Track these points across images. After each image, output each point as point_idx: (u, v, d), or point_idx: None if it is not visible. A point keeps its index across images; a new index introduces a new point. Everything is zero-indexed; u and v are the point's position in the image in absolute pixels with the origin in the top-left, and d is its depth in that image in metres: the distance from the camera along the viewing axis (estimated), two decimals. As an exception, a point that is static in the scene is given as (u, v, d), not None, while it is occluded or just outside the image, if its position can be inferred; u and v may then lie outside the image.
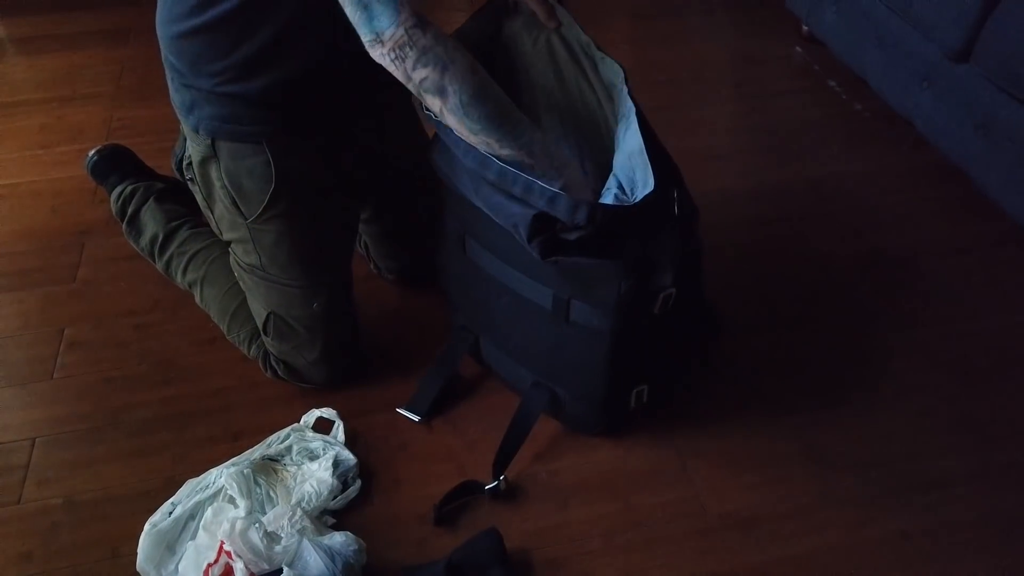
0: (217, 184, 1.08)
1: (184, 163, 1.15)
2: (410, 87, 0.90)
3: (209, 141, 1.05)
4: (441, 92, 0.88)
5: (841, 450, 1.20)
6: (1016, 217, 1.50)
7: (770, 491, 1.15)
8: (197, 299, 1.31)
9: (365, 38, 0.86)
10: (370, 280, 1.45)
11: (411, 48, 0.86)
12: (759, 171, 1.76)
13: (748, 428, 1.23)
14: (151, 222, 1.34)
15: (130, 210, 1.36)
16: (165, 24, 1.02)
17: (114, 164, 1.42)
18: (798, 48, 2.19)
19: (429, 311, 1.39)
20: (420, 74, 0.87)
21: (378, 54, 0.87)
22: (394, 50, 0.86)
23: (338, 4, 0.86)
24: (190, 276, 1.30)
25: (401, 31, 0.85)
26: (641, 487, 1.15)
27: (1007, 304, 1.43)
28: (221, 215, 1.13)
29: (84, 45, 2.17)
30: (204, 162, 1.08)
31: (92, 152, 1.43)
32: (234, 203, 1.08)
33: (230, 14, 0.95)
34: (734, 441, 1.21)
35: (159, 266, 1.35)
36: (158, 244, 1.33)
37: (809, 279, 1.49)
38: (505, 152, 0.92)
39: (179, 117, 1.09)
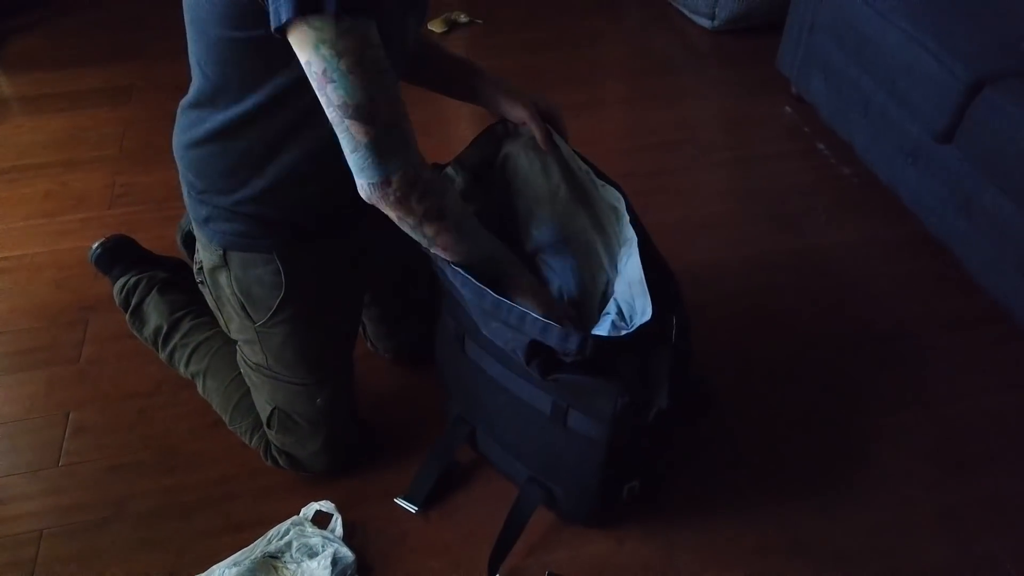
0: (227, 291, 1.12)
1: (195, 266, 1.19)
2: (409, 221, 0.93)
3: (221, 252, 1.09)
4: (440, 217, 0.93)
5: (825, 543, 1.23)
6: (996, 297, 1.54)
7: (756, 585, 1.19)
8: (200, 390, 1.35)
9: (372, 179, 0.88)
10: (368, 359, 1.49)
11: (417, 184, 0.90)
12: (749, 241, 1.80)
13: (736, 519, 1.27)
14: (154, 314, 1.37)
15: (133, 302, 1.39)
16: (183, 146, 1.06)
17: (117, 256, 1.46)
18: (788, 108, 2.23)
19: (426, 392, 1.42)
20: (423, 206, 0.91)
21: (379, 196, 0.89)
22: (402, 188, 0.89)
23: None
24: (193, 368, 1.33)
25: (412, 171, 0.88)
26: (631, 582, 1.19)
27: (986, 386, 1.47)
28: (230, 316, 1.16)
29: (88, 104, 2.21)
30: (215, 270, 1.12)
31: (95, 245, 1.47)
32: (243, 308, 1.12)
33: (255, 143, 0.99)
34: (722, 533, 1.25)
35: (163, 356, 1.39)
36: (162, 336, 1.36)
37: (796, 358, 1.53)
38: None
39: (193, 225, 1.13)
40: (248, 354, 1.18)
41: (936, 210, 1.66)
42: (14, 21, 2.58)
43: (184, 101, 1.04)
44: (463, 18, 2.59)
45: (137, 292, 1.40)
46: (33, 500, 1.28)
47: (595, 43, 2.55)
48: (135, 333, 1.42)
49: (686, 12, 2.61)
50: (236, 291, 1.11)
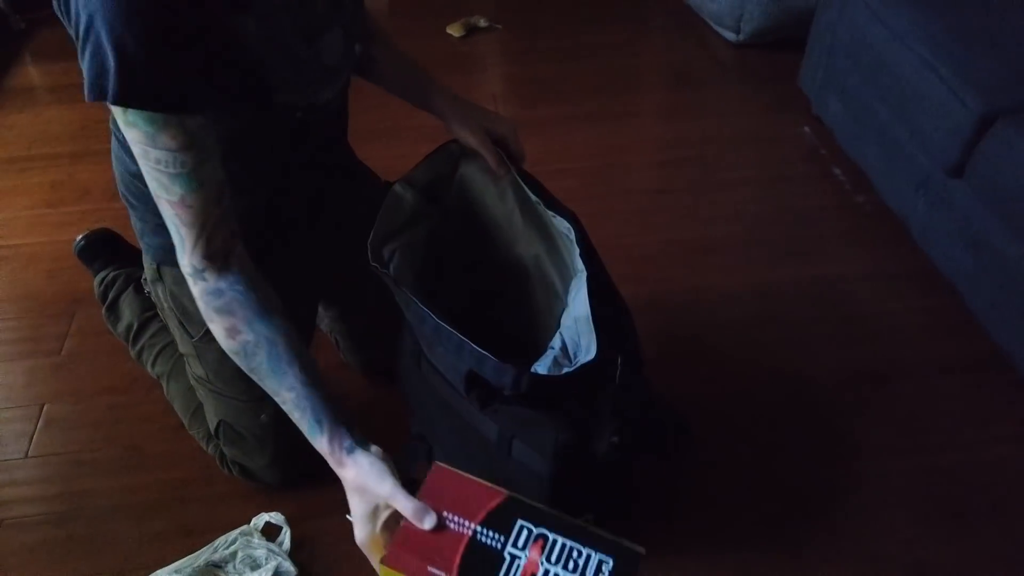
0: (164, 304, 1.12)
1: (143, 276, 1.18)
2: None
3: (155, 266, 1.08)
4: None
5: (786, 594, 1.18)
6: (999, 342, 1.46)
7: (707, 633, 1.14)
8: (164, 391, 1.35)
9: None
10: (340, 370, 1.48)
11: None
12: (752, 269, 1.73)
13: (698, 563, 1.22)
14: (128, 310, 1.38)
15: (110, 296, 1.41)
16: (118, 161, 1.05)
17: (99, 250, 1.47)
18: (807, 128, 2.15)
19: (395, 406, 1.40)
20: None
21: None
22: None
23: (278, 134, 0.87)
24: (158, 368, 1.34)
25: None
26: (577, 619, 1.15)
27: (977, 437, 1.39)
28: (173, 330, 1.16)
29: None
30: (154, 282, 1.12)
31: (80, 237, 1.49)
32: (180, 323, 1.11)
33: None
34: None
35: (132, 354, 1.39)
36: (132, 333, 1.37)
37: (786, 394, 1.46)
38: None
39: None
40: (192, 367, 1.18)
41: (944, 246, 1.58)
42: (44, 11, 2.63)
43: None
44: (483, 23, 2.56)
45: (115, 287, 1.41)
46: (-2, 490, 1.31)
47: (616, 53, 2.50)
48: (110, 328, 1.43)
49: (711, 23, 2.55)
50: (172, 305, 1.10)
